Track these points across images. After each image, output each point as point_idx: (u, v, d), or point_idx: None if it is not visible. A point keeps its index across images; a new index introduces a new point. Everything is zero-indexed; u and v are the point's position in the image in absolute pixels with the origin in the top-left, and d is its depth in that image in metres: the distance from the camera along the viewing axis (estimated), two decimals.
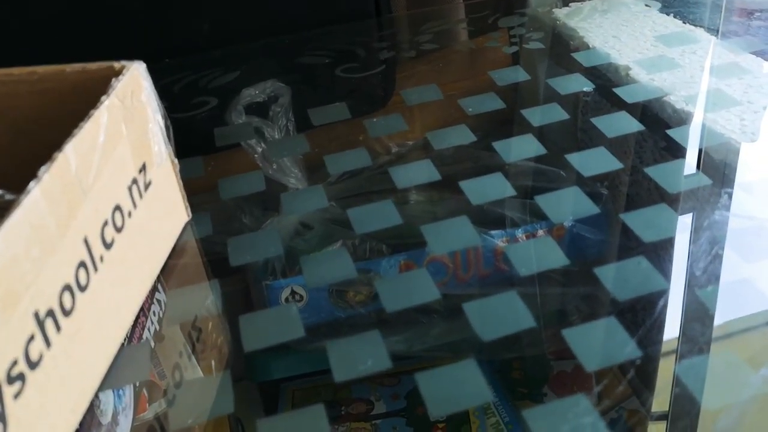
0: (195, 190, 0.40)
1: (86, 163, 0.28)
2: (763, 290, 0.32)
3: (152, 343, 0.32)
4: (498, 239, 0.37)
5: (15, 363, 0.23)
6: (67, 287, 0.26)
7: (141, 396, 0.30)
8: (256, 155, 0.46)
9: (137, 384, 0.30)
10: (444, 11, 0.69)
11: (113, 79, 0.31)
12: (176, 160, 0.36)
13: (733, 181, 0.38)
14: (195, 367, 0.33)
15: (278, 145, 0.46)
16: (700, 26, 0.56)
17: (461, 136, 0.45)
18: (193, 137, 0.49)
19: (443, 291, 0.33)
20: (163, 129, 0.35)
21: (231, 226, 0.39)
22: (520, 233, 0.37)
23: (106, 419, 0.29)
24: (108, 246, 0.29)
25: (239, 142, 0.46)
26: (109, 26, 0.61)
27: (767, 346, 0.30)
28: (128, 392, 0.30)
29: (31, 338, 0.24)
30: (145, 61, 0.34)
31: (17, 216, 0.24)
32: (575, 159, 0.41)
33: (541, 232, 0.37)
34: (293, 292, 0.37)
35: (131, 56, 0.32)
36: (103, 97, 0.30)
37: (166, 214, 0.36)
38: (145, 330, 0.33)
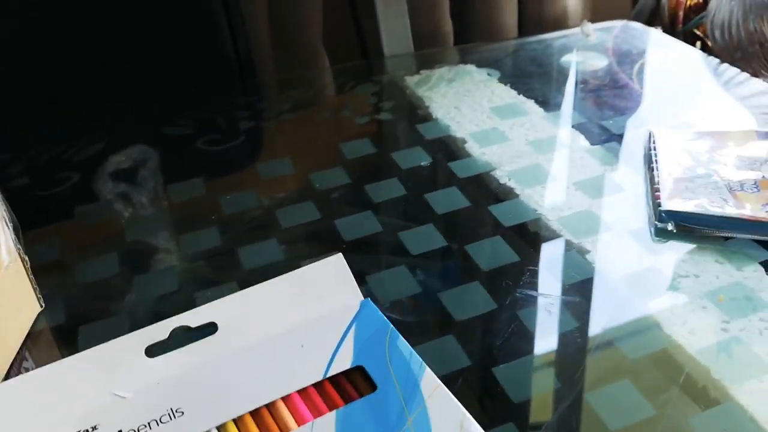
0: (52, 274, 0.43)
1: None
2: (549, 363, 0.37)
3: None
4: None
5: None
6: None
7: None
8: (123, 221, 0.49)
9: None
10: (309, 77, 0.73)
11: None
12: (26, 257, 0.39)
13: (538, 259, 0.44)
14: None
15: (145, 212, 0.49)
16: (531, 98, 0.62)
17: (308, 212, 0.49)
18: (53, 215, 0.51)
19: None
20: (11, 231, 0.37)
21: (84, 313, 0.42)
22: None
23: None
24: None
25: (103, 214, 0.50)
26: None
27: None
28: None
29: None
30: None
31: None
32: (406, 236, 0.46)
33: None
34: None
35: None
36: None
37: (17, 310, 0.38)
38: None
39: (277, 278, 0.35)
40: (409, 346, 0.32)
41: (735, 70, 0.64)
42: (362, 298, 0.35)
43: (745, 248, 0.43)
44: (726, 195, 0.45)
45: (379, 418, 0.29)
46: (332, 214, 0.49)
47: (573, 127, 0.57)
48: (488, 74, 0.67)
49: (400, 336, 0.33)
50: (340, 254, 0.36)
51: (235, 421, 0.30)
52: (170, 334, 0.33)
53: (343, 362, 0.32)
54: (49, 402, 0.30)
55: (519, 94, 0.63)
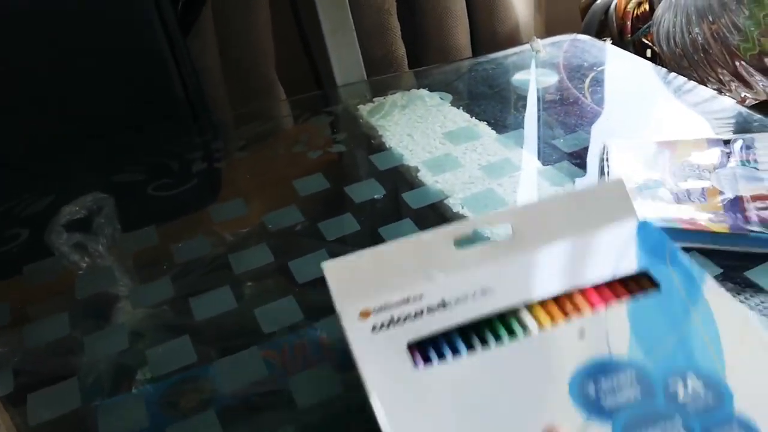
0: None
1: None
2: None
3: None
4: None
5: None
6: None
7: None
8: (73, 277, 0.49)
9: None
10: (264, 110, 0.73)
11: None
12: None
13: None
14: None
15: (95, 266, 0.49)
16: (484, 120, 0.62)
17: (261, 256, 0.49)
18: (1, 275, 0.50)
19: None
20: None
21: (35, 377, 0.41)
22: None
23: None
24: None
25: (52, 272, 0.49)
26: None
27: None
28: None
29: None
30: None
31: None
32: None
33: None
34: None
35: None
36: None
37: None
38: None
39: (559, 194, 0.40)
40: (689, 258, 0.35)
41: (683, 78, 0.64)
42: (640, 219, 0.38)
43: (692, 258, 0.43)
44: (673, 205, 0.45)
45: (666, 309, 0.32)
46: (285, 256, 0.48)
47: (525, 148, 0.57)
48: (441, 98, 0.67)
49: (681, 249, 0.35)
50: (621, 179, 0.38)
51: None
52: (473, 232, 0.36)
53: (629, 267, 0.35)
54: (374, 277, 0.36)
55: (471, 117, 0.63)
